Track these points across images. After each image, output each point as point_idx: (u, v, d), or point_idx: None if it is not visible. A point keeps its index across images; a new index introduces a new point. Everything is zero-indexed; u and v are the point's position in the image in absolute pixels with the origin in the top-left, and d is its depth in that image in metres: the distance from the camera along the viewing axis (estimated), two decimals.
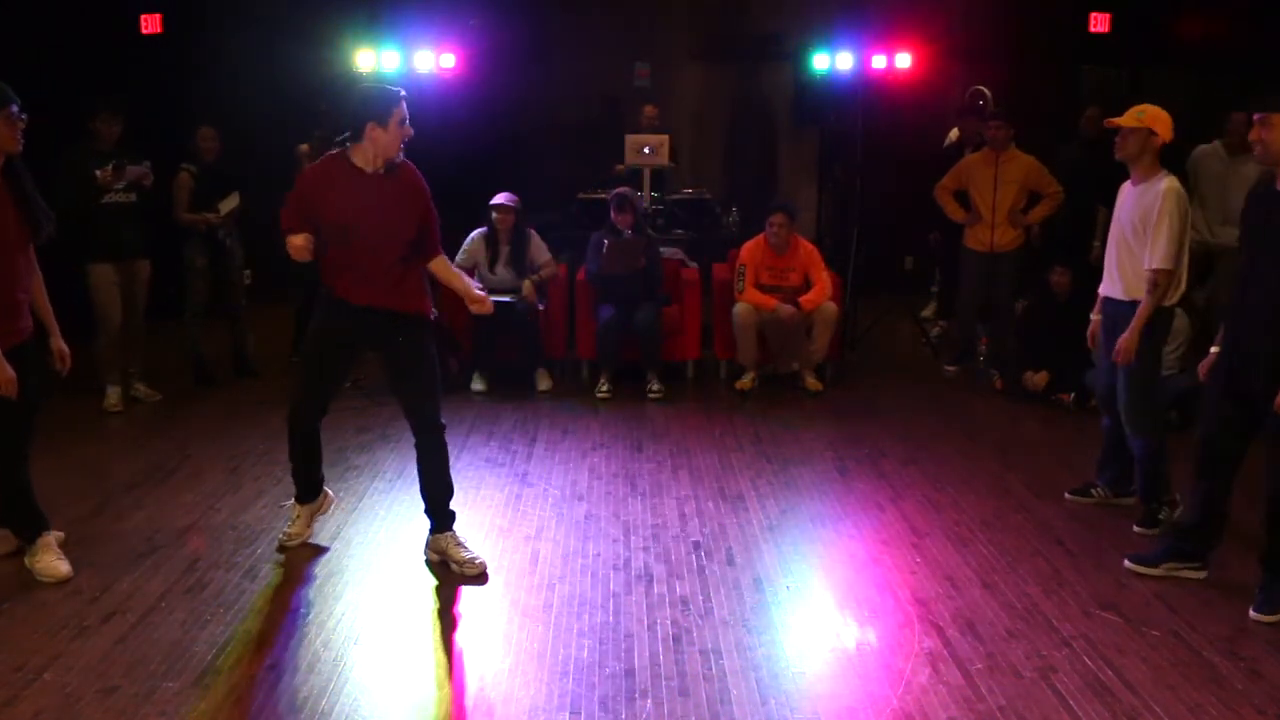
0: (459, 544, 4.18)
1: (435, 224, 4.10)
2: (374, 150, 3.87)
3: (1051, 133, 8.41)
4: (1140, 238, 4.38)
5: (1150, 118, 4.38)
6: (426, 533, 4.27)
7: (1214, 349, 4.08)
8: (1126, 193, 4.54)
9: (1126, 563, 4.24)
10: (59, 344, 4.13)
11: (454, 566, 4.14)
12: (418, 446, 4.18)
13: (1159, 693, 3.28)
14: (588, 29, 9.78)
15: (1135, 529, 4.62)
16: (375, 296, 3.99)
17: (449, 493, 4.22)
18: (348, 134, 3.92)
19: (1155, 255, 4.32)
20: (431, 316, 4.14)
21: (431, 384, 4.14)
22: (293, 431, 4.26)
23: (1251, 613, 3.80)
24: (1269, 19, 8.52)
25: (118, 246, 6.06)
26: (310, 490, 4.41)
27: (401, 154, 3.93)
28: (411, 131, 3.90)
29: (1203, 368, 4.13)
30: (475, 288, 4.21)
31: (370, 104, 3.87)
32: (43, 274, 4.04)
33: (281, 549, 4.30)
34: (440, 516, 4.21)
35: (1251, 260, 3.88)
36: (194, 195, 6.63)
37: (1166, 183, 4.36)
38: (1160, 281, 4.33)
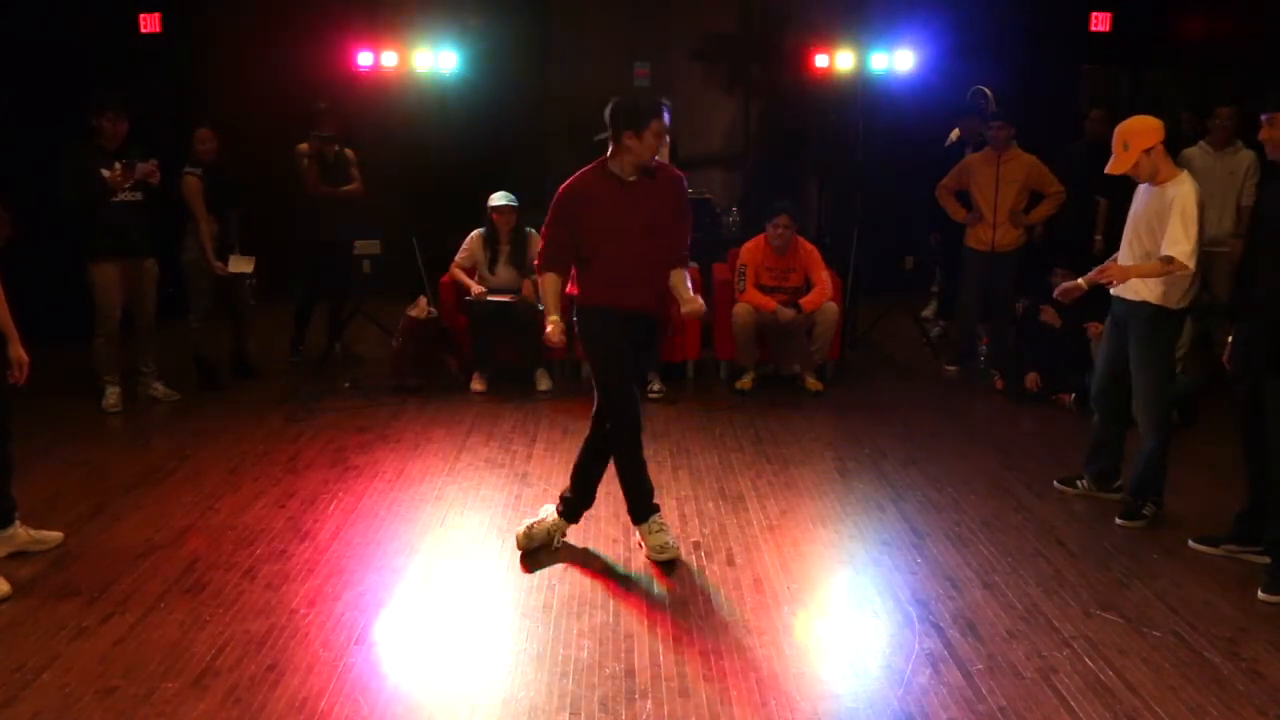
0: (650, 530, 4.23)
1: (689, 227, 4.18)
2: (629, 158, 3.99)
3: (1053, 132, 8.40)
4: (1153, 237, 4.36)
5: (1136, 142, 4.34)
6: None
7: (1230, 339, 4.16)
8: (1141, 193, 4.53)
9: (1191, 543, 4.33)
10: (18, 352, 4.08)
11: (647, 552, 4.21)
12: (609, 442, 4.22)
13: (1160, 693, 3.28)
14: (588, 29, 9.77)
15: (1118, 521, 4.64)
16: (641, 301, 4.09)
17: (640, 490, 4.26)
18: (606, 137, 4.05)
19: (1167, 242, 4.27)
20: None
21: None
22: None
23: (1260, 593, 3.86)
24: (1270, 18, 8.52)
25: (125, 246, 6.02)
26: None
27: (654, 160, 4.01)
28: (667, 142, 3.97)
29: (1225, 355, 4.20)
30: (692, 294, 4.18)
31: (629, 114, 3.99)
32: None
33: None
34: (637, 509, 4.27)
35: (1263, 249, 3.95)
36: (204, 198, 6.60)
37: (1180, 182, 4.33)
38: (1175, 269, 4.26)
